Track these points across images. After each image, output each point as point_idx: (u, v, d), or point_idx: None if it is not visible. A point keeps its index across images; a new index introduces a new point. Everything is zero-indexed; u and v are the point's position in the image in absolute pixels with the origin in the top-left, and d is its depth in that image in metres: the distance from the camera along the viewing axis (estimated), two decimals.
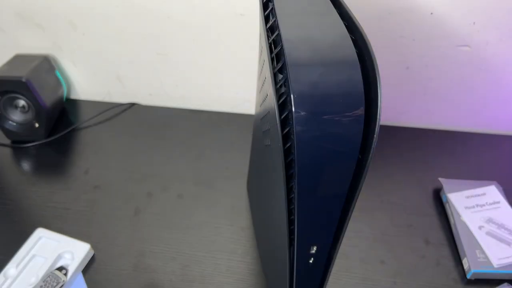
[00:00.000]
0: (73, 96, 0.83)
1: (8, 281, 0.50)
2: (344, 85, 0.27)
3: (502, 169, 0.69)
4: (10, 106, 0.69)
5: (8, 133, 0.70)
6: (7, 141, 0.71)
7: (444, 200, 0.62)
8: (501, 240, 0.55)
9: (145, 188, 0.64)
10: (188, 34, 0.69)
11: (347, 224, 0.34)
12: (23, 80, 0.65)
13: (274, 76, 0.29)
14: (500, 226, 0.57)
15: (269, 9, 0.35)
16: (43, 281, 0.49)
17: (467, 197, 0.61)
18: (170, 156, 0.69)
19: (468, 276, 0.53)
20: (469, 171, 0.68)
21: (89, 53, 0.75)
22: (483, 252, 0.54)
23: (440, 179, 0.64)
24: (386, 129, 0.76)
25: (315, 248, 0.35)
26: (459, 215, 0.58)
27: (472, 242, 0.55)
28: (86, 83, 0.80)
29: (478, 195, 0.61)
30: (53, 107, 0.72)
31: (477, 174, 0.67)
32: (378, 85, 0.27)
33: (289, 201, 0.32)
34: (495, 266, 0.53)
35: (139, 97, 0.81)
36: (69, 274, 0.51)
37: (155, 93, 0.80)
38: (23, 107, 0.69)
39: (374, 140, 0.27)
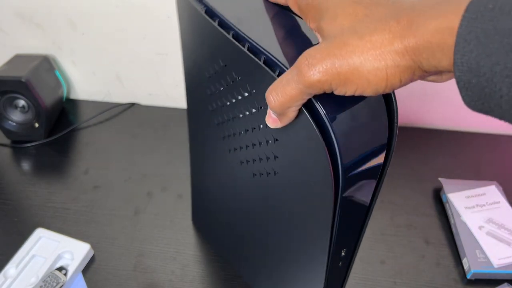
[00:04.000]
0: (73, 96, 0.83)
1: (8, 281, 0.50)
2: (371, 121, 0.29)
3: (502, 169, 0.69)
4: (9, 106, 0.69)
5: (7, 133, 0.70)
6: (6, 141, 0.71)
7: (444, 200, 0.62)
8: (501, 240, 0.55)
9: (145, 188, 0.64)
10: None
11: (367, 225, 0.35)
12: (23, 80, 0.65)
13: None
14: (500, 226, 0.57)
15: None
16: (43, 281, 0.49)
17: (467, 197, 0.61)
18: (170, 156, 0.69)
19: (468, 276, 0.53)
20: (469, 171, 0.68)
21: (89, 53, 0.75)
22: (483, 252, 0.54)
23: (440, 179, 0.64)
24: None
25: (344, 251, 0.35)
26: (459, 215, 0.58)
27: (472, 242, 0.55)
28: (85, 83, 0.80)
29: (478, 195, 0.61)
30: (53, 107, 0.72)
31: (477, 174, 0.67)
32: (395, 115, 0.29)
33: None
34: (495, 266, 0.53)
35: (139, 97, 0.81)
36: (69, 274, 0.51)
37: (155, 93, 0.80)
38: (23, 107, 0.69)
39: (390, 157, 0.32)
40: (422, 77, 0.24)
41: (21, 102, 0.69)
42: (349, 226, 0.34)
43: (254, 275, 0.50)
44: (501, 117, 0.20)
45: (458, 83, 0.20)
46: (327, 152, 0.27)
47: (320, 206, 0.31)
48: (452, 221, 0.59)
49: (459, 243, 0.56)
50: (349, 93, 0.24)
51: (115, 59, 0.75)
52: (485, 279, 0.53)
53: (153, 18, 0.68)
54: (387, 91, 0.24)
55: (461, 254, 0.55)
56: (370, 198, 0.33)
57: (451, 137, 0.75)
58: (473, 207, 0.59)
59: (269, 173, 0.35)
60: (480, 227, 0.57)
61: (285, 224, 0.37)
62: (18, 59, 0.72)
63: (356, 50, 0.23)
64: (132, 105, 0.80)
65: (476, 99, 0.20)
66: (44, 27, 0.72)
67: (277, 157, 0.32)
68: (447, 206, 0.61)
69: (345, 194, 0.29)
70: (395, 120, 0.29)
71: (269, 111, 0.29)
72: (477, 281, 0.54)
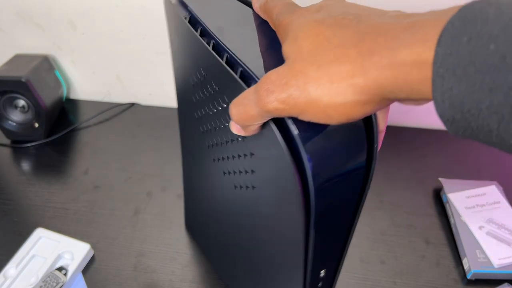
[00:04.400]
0: (73, 96, 0.83)
1: (8, 281, 0.50)
2: (348, 143, 0.27)
3: (502, 169, 0.69)
4: (9, 106, 0.69)
5: (7, 133, 0.70)
6: (6, 141, 0.71)
7: (444, 200, 0.62)
8: (501, 240, 0.55)
9: (144, 188, 0.64)
10: None
11: (349, 243, 0.34)
12: (23, 80, 0.64)
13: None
14: (501, 226, 0.57)
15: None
16: (43, 281, 0.49)
17: (468, 197, 0.61)
18: (169, 156, 0.69)
19: (468, 276, 0.53)
20: (469, 171, 0.68)
21: (88, 53, 0.75)
22: (483, 252, 0.54)
23: (440, 179, 0.64)
24: (386, 129, 0.76)
25: (323, 271, 0.34)
26: (459, 215, 0.58)
27: (472, 242, 0.55)
28: (85, 83, 0.80)
29: (479, 195, 0.61)
30: (52, 107, 0.72)
31: (478, 174, 0.67)
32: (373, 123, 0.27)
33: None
34: (496, 266, 0.53)
35: (139, 97, 0.81)
36: (69, 274, 0.51)
37: (155, 93, 0.80)
38: (23, 107, 0.69)
39: (370, 176, 0.29)
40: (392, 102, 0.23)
41: (21, 102, 0.69)
42: (328, 246, 0.32)
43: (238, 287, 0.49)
44: (490, 144, 0.19)
45: (441, 117, 0.19)
46: (296, 171, 0.25)
47: (293, 225, 0.30)
48: (452, 221, 0.59)
49: (459, 243, 0.56)
50: (311, 121, 0.23)
51: (115, 59, 0.75)
52: (485, 279, 0.53)
53: (153, 18, 0.68)
54: (351, 121, 0.22)
55: (461, 254, 0.55)
56: (350, 218, 0.31)
57: (451, 137, 0.75)
58: (473, 207, 0.59)
59: (248, 187, 0.34)
60: (480, 227, 0.57)
61: (263, 240, 0.37)
62: (18, 59, 0.72)
63: (312, 82, 0.21)
64: (132, 105, 0.80)
65: (463, 131, 0.19)
66: (44, 27, 0.72)
67: (254, 171, 0.32)
68: (447, 206, 0.61)
69: (320, 214, 0.28)
70: (375, 141, 0.27)
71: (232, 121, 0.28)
72: (477, 281, 0.53)
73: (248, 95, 0.25)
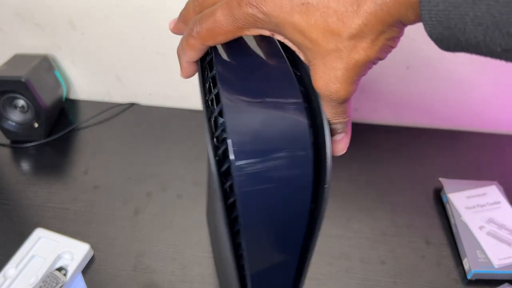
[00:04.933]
0: (73, 96, 0.83)
1: (8, 282, 0.50)
2: (288, 130, 0.24)
3: (502, 169, 0.69)
4: (9, 106, 0.69)
5: (7, 133, 0.70)
6: (6, 141, 0.71)
7: (444, 200, 0.62)
8: (501, 240, 0.55)
9: (144, 188, 0.64)
10: None
11: (306, 274, 0.32)
12: (23, 80, 0.64)
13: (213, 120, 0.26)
14: (501, 226, 0.57)
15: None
16: (43, 282, 0.49)
17: (468, 197, 0.61)
18: (169, 156, 0.69)
19: (469, 277, 0.53)
20: (469, 171, 0.68)
21: (88, 52, 0.75)
22: (483, 252, 0.54)
23: (440, 179, 0.64)
24: (386, 129, 0.76)
25: None
26: (459, 215, 0.58)
27: (472, 242, 0.55)
28: (85, 83, 0.80)
29: (479, 195, 0.61)
30: (52, 107, 0.72)
31: (478, 174, 0.67)
32: (325, 128, 0.25)
33: (239, 256, 0.29)
34: (496, 266, 0.53)
35: (138, 97, 0.81)
36: (69, 274, 0.51)
37: (155, 93, 0.80)
38: (23, 107, 0.69)
39: (326, 189, 0.25)
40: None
41: (21, 102, 0.69)
42: (271, 271, 0.30)
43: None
44: (482, 55, 0.20)
45: (431, 36, 0.20)
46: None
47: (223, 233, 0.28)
48: (452, 221, 0.59)
49: (460, 243, 0.56)
50: (289, 38, 0.24)
51: (115, 59, 0.75)
52: (485, 280, 0.53)
53: (153, 18, 0.68)
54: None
55: (462, 254, 0.55)
56: (300, 239, 0.28)
57: (451, 137, 0.75)
58: (474, 207, 0.59)
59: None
60: (481, 227, 0.57)
61: (226, 250, 0.35)
62: (17, 59, 0.72)
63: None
64: (132, 105, 0.80)
65: (453, 46, 0.20)
66: (44, 27, 0.72)
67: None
68: (447, 206, 0.61)
69: (247, 224, 0.25)
70: (327, 182, 0.25)
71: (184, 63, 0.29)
72: (477, 281, 0.53)
73: (210, 12, 0.25)
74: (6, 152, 0.70)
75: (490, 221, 0.58)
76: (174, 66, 0.74)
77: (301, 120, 0.24)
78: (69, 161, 0.69)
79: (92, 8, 0.68)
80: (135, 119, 0.77)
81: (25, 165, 0.68)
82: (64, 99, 0.79)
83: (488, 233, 0.56)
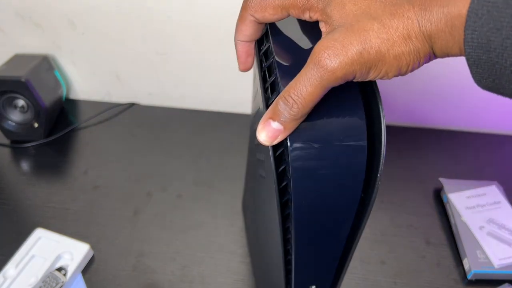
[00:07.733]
0: (73, 96, 0.83)
1: (8, 282, 0.50)
2: (344, 118, 0.25)
3: (502, 169, 0.69)
4: (9, 106, 0.69)
5: (7, 133, 0.70)
6: (6, 141, 0.71)
7: (444, 200, 0.62)
8: (502, 240, 0.55)
9: (144, 188, 0.64)
10: (188, 34, 0.69)
11: (349, 262, 0.33)
12: (23, 80, 0.64)
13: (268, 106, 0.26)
14: (501, 226, 0.57)
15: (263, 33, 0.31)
16: (43, 282, 0.49)
17: (468, 197, 0.61)
18: (169, 156, 0.69)
19: (469, 277, 0.53)
20: (469, 171, 0.68)
21: (88, 52, 0.75)
22: (483, 252, 0.54)
23: (440, 179, 0.64)
24: (386, 129, 0.76)
25: (313, 287, 0.33)
26: (459, 215, 0.58)
27: (472, 243, 0.55)
28: (85, 83, 0.80)
29: (479, 195, 0.61)
30: (52, 107, 0.72)
31: (478, 174, 0.67)
32: (382, 119, 0.26)
33: (286, 240, 0.30)
34: (496, 266, 0.53)
35: (138, 97, 0.81)
36: (69, 274, 0.51)
37: (155, 93, 0.80)
38: (22, 107, 0.69)
39: (378, 178, 0.26)
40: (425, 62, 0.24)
41: (21, 102, 0.69)
42: (317, 257, 0.31)
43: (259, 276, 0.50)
44: (511, 95, 0.20)
45: (468, 60, 0.21)
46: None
47: (275, 227, 0.29)
48: (452, 221, 0.59)
49: (460, 243, 0.56)
50: (370, 78, 0.24)
51: (115, 59, 0.75)
52: (485, 280, 0.53)
53: (153, 18, 0.68)
54: (406, 74, 0.24)
55: (462, 255, 0.55)
56: (347, 227, 0.30)
57: (451, 137, 0.75)
58: (474, 207, 0.59)
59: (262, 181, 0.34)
60: (481, 227, 0.57)
61: (272, 234, 0.36)
62: (17, 59, 0.72)
63: (379, 35, 0.22)
64: (132, 105, 0.80)
65: (487, 76, 0.20)
66: (43, 27, 0.72)
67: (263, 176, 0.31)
68: (447, 206, 0.61)
69: (300, 213, 0.26)
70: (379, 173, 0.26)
71: (269, 121, 0.25)
72: (477, 281, 0.53)
73: (302, 76, 0.23)
74: (6, 152, 0.70)
75: (490, 221, 0.58)
76: (174, 66, 0.74)
77: (358, 109, 0.25)
78: (69, 161, 0.69)
79: (92, 8, 0.68)
80: (135, 119, 0.77)
81: (25, 165, 0.68)
82: (64, 99, 0.79)
83: (488, 233, 0.56)
